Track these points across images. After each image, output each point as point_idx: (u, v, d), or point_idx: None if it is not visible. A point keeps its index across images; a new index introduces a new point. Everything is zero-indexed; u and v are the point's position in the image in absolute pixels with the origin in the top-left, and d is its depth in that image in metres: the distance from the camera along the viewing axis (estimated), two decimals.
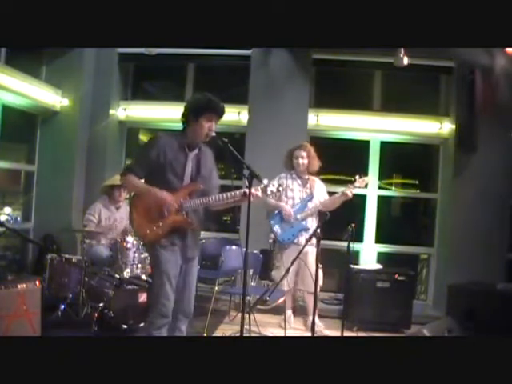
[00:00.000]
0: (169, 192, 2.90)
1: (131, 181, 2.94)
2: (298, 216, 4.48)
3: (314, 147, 4.71)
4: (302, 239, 4.42)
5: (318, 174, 4.77)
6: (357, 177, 4.39)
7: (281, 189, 3.00)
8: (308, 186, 4.59)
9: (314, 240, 4.32)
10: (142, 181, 2.97)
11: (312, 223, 4.50)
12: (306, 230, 4.44)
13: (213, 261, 4.97)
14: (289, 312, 4.64)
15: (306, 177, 4.61)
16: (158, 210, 2.90)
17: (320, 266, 4.53)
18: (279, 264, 4.46)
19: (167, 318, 2.90)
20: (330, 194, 4.63)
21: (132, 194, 3.16)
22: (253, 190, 2.79)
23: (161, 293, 2.88)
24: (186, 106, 3.01)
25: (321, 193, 4.63)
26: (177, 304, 2.96)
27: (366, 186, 4.49)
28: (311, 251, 4.31)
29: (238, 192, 2.93)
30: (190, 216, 2.97)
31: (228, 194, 2.94)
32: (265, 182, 2.86)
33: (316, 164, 4.61)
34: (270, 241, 4.55)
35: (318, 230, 3.45)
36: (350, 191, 4.35)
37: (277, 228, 4.50)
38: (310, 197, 4.54)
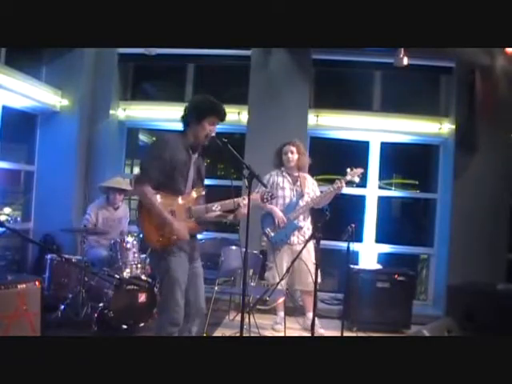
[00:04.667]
0: (176, 195, 2.90)
1: (147, 194, 2.82)
2: (290, 216, 4.44)
3: (314, 147, 4.71)
4: (295, 239, 4.43)
5: (316, 174, 4.75)
6: (348, 169, 4.38)
7: (274, 196, 3.00)
8: (298, 183, 4.52)
9: (306, 237, 4.36)
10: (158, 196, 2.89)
11: (304, 222, 4.48)
12: (299, 229, 4.43)
13: (212, 261, 4.97)
14: (282, 313, 4.57)
15: (296, 174, 4.53)
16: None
17: (313, 265, 4.56)
18: (272, 265, 4.44)
19: (178, 326, 2.86)
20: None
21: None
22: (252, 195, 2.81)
23: (172, 301, 2.83)
24: (187, 108, 2.99)
25: (312, 189, 4.57)
26: (188, 307, 2.92)
27: (358, 178, 4.39)
28: (304, 251, 4.30)
29: (240, 198, 2.95)
30: (198, 222, 2.99)
31: (232, 200, 2.94)
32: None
33: (306, 160, 4.57)
34: (263, 244, 4.53)
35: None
36: (342, 184, 4.31)
37: (269, 230, 4.46)
38: (301, 195, 4.48)
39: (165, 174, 2.85)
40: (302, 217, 4.47)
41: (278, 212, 4.42)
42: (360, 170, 4.39)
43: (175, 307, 2.83)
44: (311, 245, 4.37)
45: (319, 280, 4.52)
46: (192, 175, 2.99)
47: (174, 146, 2.89)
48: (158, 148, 2.94)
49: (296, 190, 4.52)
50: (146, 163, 2.92)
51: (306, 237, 4.39)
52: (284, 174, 4.56)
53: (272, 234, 4.45)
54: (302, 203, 4.46)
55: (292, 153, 4.50)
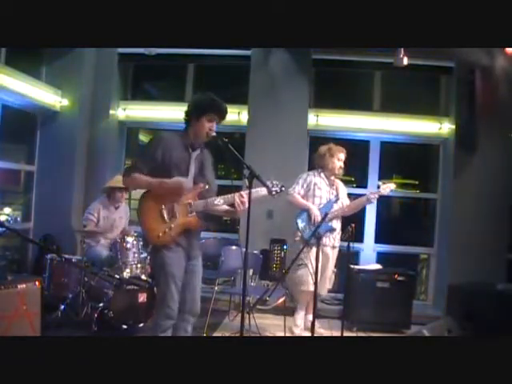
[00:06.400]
0: (175, 193, 2.88)
1: (137, 178, 2.85)
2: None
3: (314, 147, 4.74)
4: (327, 240, 4.43)
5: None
6: (380, 183, 4.50)
7: (283, 188, 2.98)
8: (334, 187, 4.59)
9: (336, 241, 4.46)
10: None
11: (337, 224, 4.51)
12: (331, 230, 4.45)
13: (213, 261, 4.97)
14: (302, 313, 4.57)
15: (332, 178, 4.61)
16: (170, 211, 2.88)
17: (334, 269, 4.61)
18: (305, 263, 4.42)
19: (173, 320, 2.89)
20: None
21: (140, 195, 3.01)
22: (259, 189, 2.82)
23: (167, 295, 2.85)
24: (188, 106, 3.01)
25: (344, 195, 4.64)
26: (183, 304, 2.93)
27: (389, 191, 4.48)
28: (332, 253, 4.38)
29: (242, 193, 2.90)
30: (199, 217, 2.97)
31: (232, 194, 2.90)
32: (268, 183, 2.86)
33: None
34: (297, 238, 4.54)
35: (319, 230, 3.46)
36: (375, 197, 4.40)
37: (303, 227, 4.49)
38: (336, 198, 4.52)
39: (158, 171, 2.85)
40: (335, 220, 4.49)
41: (315, 209, 4.44)
42: (392, 186, 4.45)
43: (171, 302, 2.85)
44: (336, 251, 4.51)
45: (330, 286, 4.62)
46: (193, 172, 2.99)
47: (168, 144, 2.90)
48: (150, 146, 2.97)
49: (332, 193, 4.56)
50: (137, 159, 2.99)
51: (337, 240, 4.49)
52: (322, 175, 4.60)
53: (306, 231, 4.46)
54: (336, 207, 4.49)
55: (342, 161, 4.56)
